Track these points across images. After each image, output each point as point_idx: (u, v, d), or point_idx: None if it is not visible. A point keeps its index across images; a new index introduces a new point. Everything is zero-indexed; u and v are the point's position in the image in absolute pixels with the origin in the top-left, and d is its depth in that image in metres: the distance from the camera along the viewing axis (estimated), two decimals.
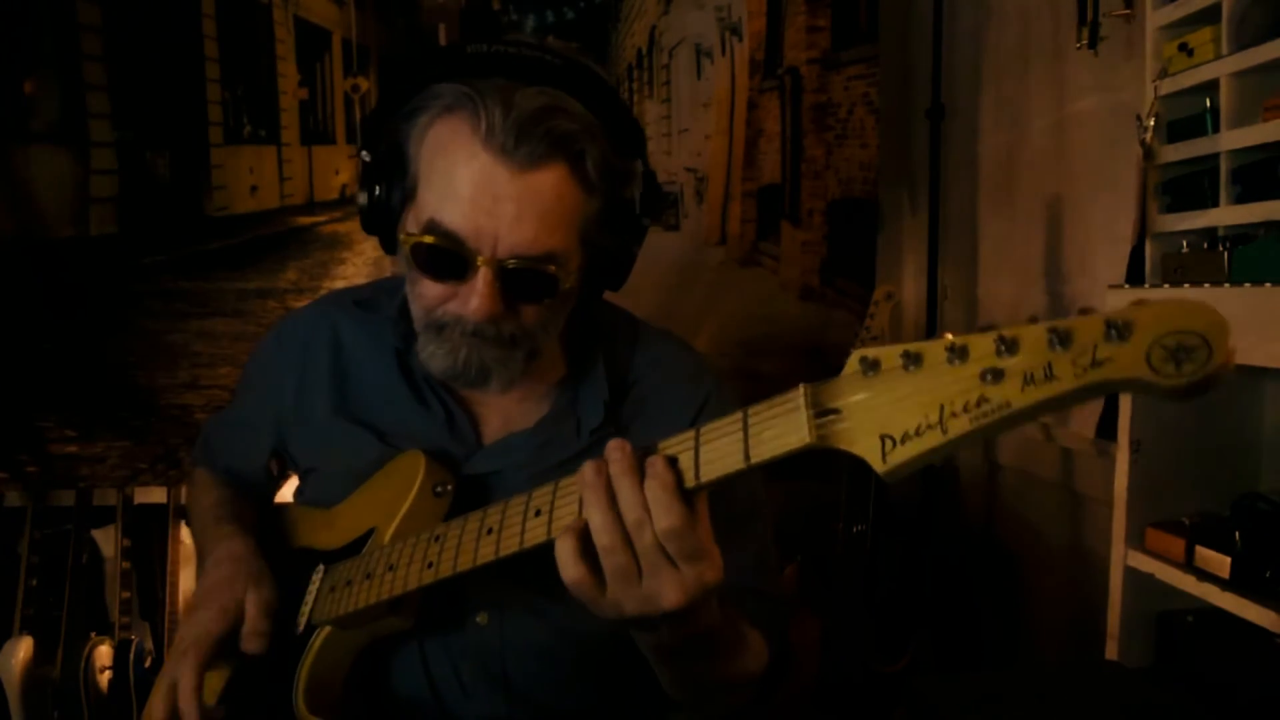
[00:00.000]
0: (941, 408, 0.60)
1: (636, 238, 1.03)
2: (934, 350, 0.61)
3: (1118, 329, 0.55)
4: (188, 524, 2.52)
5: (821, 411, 0.66)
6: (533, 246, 0.92)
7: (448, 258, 0.93)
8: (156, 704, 0.97)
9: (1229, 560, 1.34)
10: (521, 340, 0.98)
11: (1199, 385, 0.53)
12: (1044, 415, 0.59)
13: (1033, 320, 0.58)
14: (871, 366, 0.64)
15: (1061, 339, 0.56)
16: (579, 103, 0.92)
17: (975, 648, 2.56)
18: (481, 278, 0.92)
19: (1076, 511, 2.16)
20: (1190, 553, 1.41)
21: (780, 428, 0.68)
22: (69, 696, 2.29)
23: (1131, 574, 1.53)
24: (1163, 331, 0.53)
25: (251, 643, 0.98)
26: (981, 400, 0.59)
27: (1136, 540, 1.52)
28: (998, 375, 0.58)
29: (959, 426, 0.59)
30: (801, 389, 0.67)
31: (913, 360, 0.62)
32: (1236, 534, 1.35)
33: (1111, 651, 1.57)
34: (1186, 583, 1.40)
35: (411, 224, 0.96)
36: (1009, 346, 0.58)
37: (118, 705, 2.32)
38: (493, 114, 0.89)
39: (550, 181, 0.91)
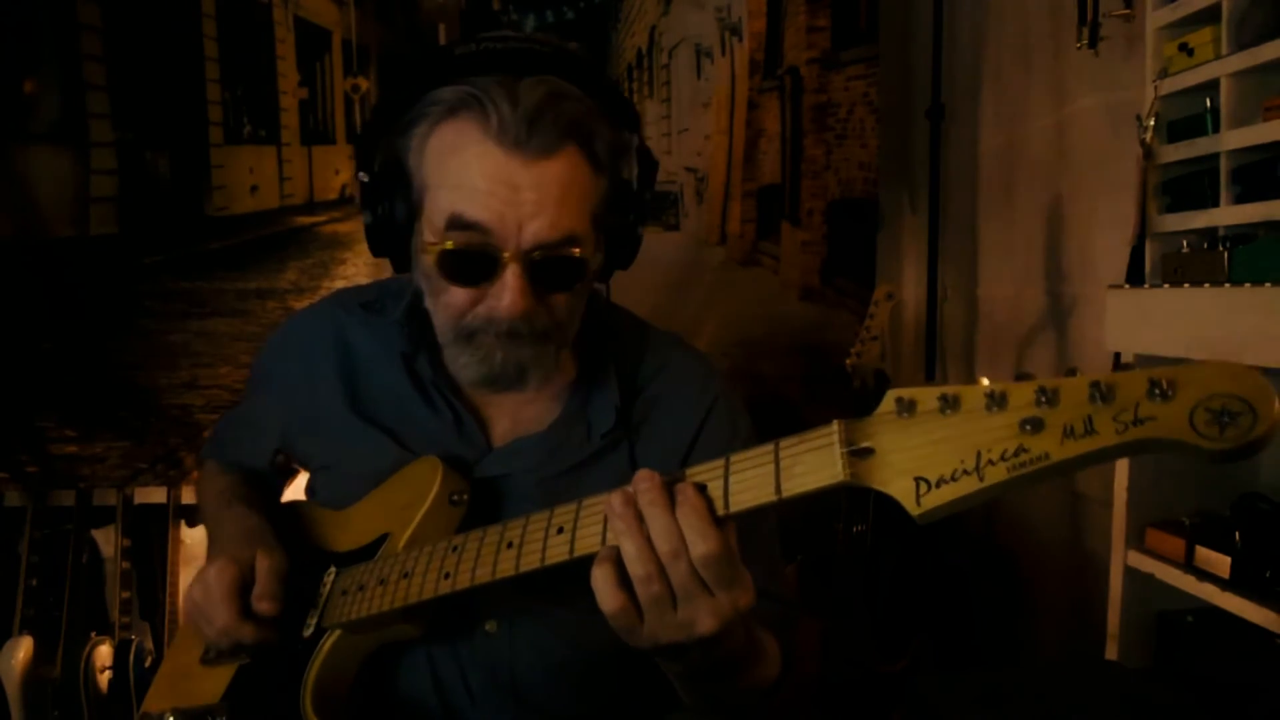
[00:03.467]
0: (979, 454, 0.60)
1: (642, 214, 1.03)
2: (972, 395, 0.61)
3: (1161, 388, 0.54)
4: (188, 524, 2.53)
5: (855, 450, 0.66)
6: (554, 231, 0.92)
7: (474, 259, 0.93)
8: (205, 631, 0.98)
9: (1229, 560, 1.34)
10: (554, 333, 0.98)
11: (1242, 450, 0.53)
12: (1082, 469, 0.58)
13: (1071, 372, 0.58)
14: (907, 407, 0.64)
15: (1104, 394, 0.56)
16: (575, 87, 0.93)
17: (975, 648, 2.55)
18: (511, 273, 0.92)
19: (1076, 511, 2.15)
20: (1190, 553, 1.41)
21: (813, 463, 0.68)
22: (69, 696, 2.29)
23: (1131, 574, 1.53)
24: (1208, 394, 0.53)
25: (263, 603, 0.97)
26: (1020, 450, 0.58)
27: (1136, 540, 1.52)
28: (1037, 425, 0.58)
29: (996, 475, 0.59)
30: (836, 425, 0.67)
31: (950, 404, 0.62)
32: (1236, 534, 1.35)
33: (1111, 651, 1.57)
34: (1186, 583, 1.40)
35: (429, 233, 0.95)
36: (1049, 398, 0.58)
37: (118, 705, 2.32)
38: (501, 109, 0.89)
39: (565, 167, 0.92)
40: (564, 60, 0.94)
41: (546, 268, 0.94)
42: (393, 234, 0.98)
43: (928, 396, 0.63)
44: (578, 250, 0.94)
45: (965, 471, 0.60)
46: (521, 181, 0.90)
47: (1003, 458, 0.59)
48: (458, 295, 0.96)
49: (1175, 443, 0.54)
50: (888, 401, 0.65)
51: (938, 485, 0.61)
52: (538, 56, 0.93)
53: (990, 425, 0.60)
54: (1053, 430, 0.57)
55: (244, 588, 0.98)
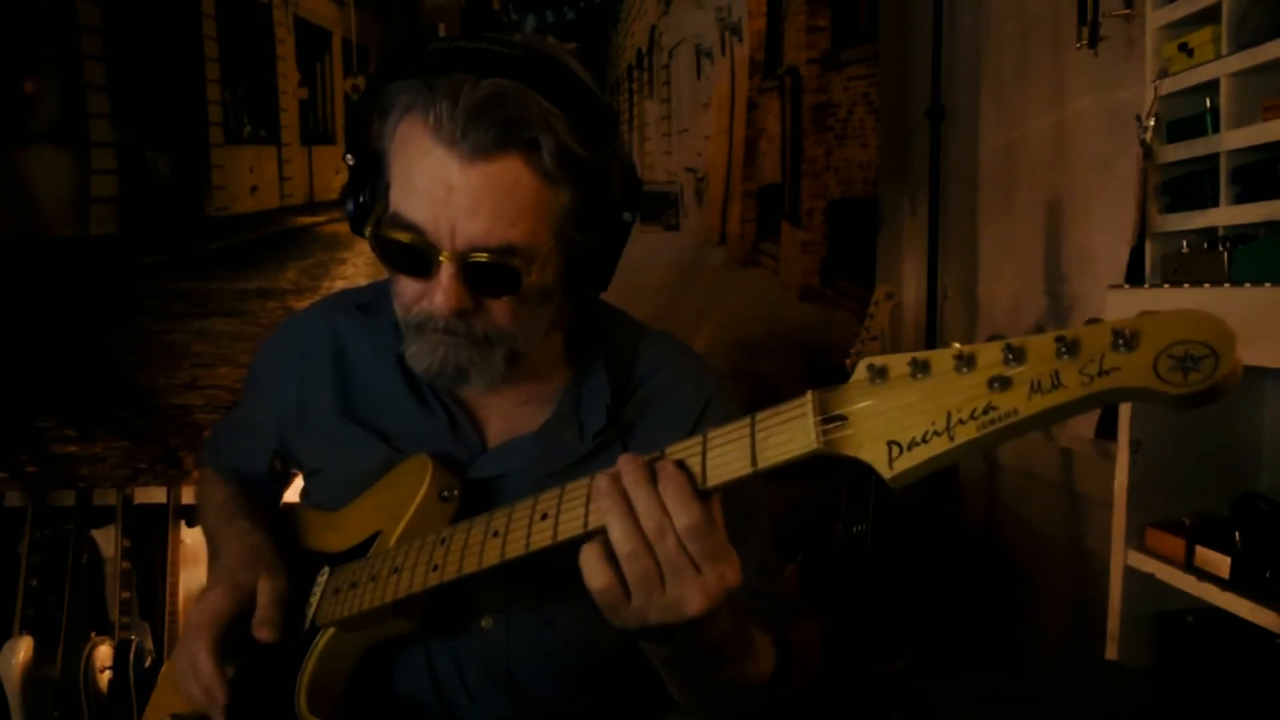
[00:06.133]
0: (949, 415, 0.61)
1: (617, 233, 1.00)
2: (942, 358, 0.62)
3: (1125, 338, 0.56)
4: (188, 524, 2.53)
5: (829, 418, 0.66)
6: (489, 238, 0.90)
7: (410, 253, 0.93)
8: (183, 685, 0.97)
9: (1229, 560, 1.34)
10: (497, 340, 0.97)
11: (1206, 394, 0.54)
12: (1051, 423, 0.60)
13: (1038, 330, 0.59)
14: (879, 374, 0.65)
15: (1069, 348, 0.57)
16: (538, 92, 0.89)
17: (975, 648, 2.56)
18: (444, 272, 0.92)
19: (1076, 511, 2.16)
20: (1190, 553, 1.41)
21: (787, 433, 0.69)
22: (69, 696, 2.29)
23: (1131, 574, 1.53)
24: (1170, 341, 0.54)
25: (263, 630, 0.97)
26: (989, 408, 0.59)
27: (1136, 540, 1.52)
28: (1005, 383, 0.59)
29: (966, 434, 0.60)
30: (809, 395, 0.68)
31: (920, 368, 0.63)
32: (1236, 534, 1.35)
33: (1111, 651, 1.57)
34: (1186, 583, 1.40)
35: (380, 222, 0.96)
36: (1016, 355, 0.59)
37: (118, 705, 2.32)
38: (440, 107, 0.88)
39: (504, 172, 0.89)
40: (533, 66, 0.90)
41: (481, 271, 0.92)
42: (367, 218, 0.98)
43: (899, 362, 0.64)
44: (516, 261, 0.92)
45: (936, 433, 0.61)
46: (457, 183, 0.89)
47: (972, 416, 0.60)
48: (406, 286, 0.96)
49: (1140, 391, 0.55)
50: (860, 370, 0.66)
51: (910, 448, 0.62)
52: (502, 59, 0.89)
53: (960, 386, 0.61)
54: (1020, 386, 0.59)
55: (241, 613, 0.98)
